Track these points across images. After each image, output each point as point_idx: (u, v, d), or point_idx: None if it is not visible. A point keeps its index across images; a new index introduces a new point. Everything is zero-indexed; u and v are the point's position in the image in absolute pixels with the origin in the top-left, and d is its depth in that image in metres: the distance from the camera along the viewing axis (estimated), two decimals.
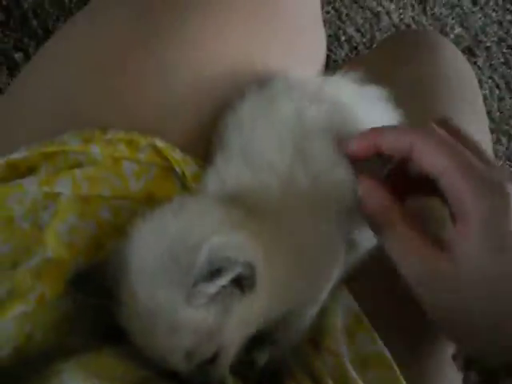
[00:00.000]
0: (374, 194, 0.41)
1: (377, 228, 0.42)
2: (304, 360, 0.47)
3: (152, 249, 0.38)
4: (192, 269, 0.35)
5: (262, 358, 0.46)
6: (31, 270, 0.38)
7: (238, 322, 0.38)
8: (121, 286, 0.38)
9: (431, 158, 0.38)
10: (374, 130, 0.42)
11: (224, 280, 0.35)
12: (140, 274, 0.37)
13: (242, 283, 0.36)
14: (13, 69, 0.97)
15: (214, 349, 0.38)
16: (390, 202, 0.40)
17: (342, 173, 0.44)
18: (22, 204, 0.41)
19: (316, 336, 0.48)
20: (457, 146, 0.38)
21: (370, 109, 0.49)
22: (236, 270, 0.35)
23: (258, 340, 0.46)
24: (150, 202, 0.44)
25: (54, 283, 0.38)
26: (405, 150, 0.39)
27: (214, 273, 0.35)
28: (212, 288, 0.35)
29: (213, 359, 0.38)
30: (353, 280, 0.49)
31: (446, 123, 0.41)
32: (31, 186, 0.42)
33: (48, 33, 1.00)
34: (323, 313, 0.48)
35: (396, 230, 0.39)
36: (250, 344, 0.44)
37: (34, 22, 1.01)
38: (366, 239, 0.46)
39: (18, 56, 0.98)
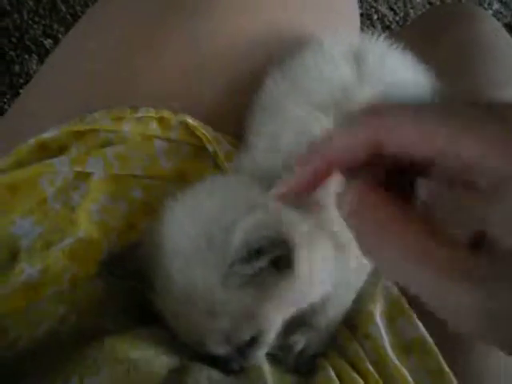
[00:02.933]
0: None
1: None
2: (341, 345, 0.46)
3: (186, 230, 0.37)
4: (228, 250, 0.34)
5: (299, 343, 0.45)
6: (64, 251, 0.37)
7: (277, 304, 0.36)
8: (155, 268, 0.37)
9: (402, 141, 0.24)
10: (310, 151, 0.24)
11: (262, 261, 0.33)
12: (175, 256, 0.36)
13: (280, 264, 0.34)
14: (43, 55, 0.98)
15: (252, 331, 0.37)
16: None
17: None
18: (54, 184, 0.41)
19: (354, 321, 0.47)
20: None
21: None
22: (274, 251, 0.33)
23: (295, 325, 0.44)
24: (182, 181, 0.43)
25: (85, 263, 0.37)
26: (366, 147, 0.22)
27: (251, 254, 0.33)
28: (249, 269, 0.34)
29: (252, 342, 0.37)
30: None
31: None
32: (62, 166, 0.41)
33: (77, 18, 1.00)
34: (362, 298, 0.47)
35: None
36: (288, 329, 0.43)
37: (63, 8, 1.01)
38: None
39: (47, 42, 0.99)
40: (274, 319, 0.38)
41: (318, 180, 0.24)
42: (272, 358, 0.43)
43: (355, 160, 0.22)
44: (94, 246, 0.38)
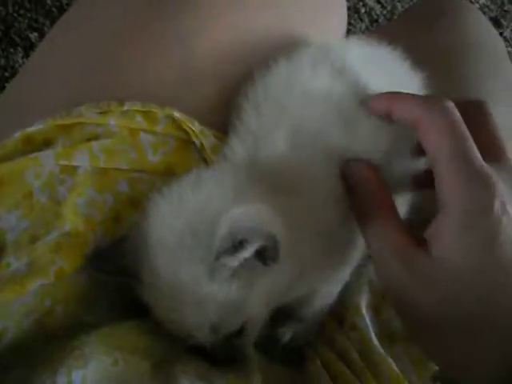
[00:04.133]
0: (369, 180, 0.37)
1: (362, 216, 0.37)
2: (328, 336, 0.46)
3: (170, 225, 0.37)
4: (213, 242, 0.34)
5: (286, 334, 0.46)
6: (50, 244, 0.37)
7: (263, 296, 0.37)
8: (141, 263, 0.37)
9: (431, 138, 0.33)
10: (390, 93, 0.38)
11: (247, 252, 0.34)
12: (160, 251, 0.36)
13: (265, 256, 0.35)
14: (28, 49, 0.97)
15: (239, 322, 0.37)
16: (383, 192, 0.37)
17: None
18: (39, 178, 0.41)
19: (341, 313, 0.47)
20: (462, 132, 0.32)
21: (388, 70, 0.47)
22: (259, 242, 0.33)
23: (282, 317, 0.45)
24: (169, 175, 0.43)
25: (72, 257, 0.37)
26: (412, 122, 0.35)
27: (236, 245, 0.33)
28: (234, 261, 0.34)
29: (239, 332, 0.37)
30: None
31: (473, 104, 0.37)
32: (48, 160, 0.41)
33: (62, 11, 0.98)
34: (348, 290, 0.47)
35: (380, 222, 0.35)
36: (275, 321, 0.43)
37: (49, 1, 1.00)
38: None
39: (33, 36, 0.98)
40: (261, 310, 0.38)
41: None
42: (260, 350, 0.44)
43: (402, 120, 0.36)
44: (79, 240, 0.38)
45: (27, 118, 0.43)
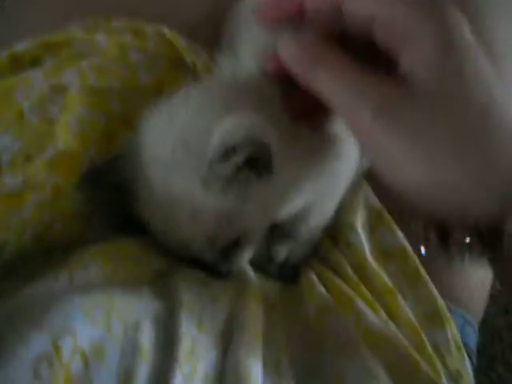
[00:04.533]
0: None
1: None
2: (323, 255, 0.47)
3: (162, 139, 0.37)
4: (205, 152, 0.34)
5: (282, 252, 0.46)
6: (44, 162, 0.37)
7: (258, 208, 0.37)
8: (136, 178, 0.38)
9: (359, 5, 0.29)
10: None
11: (239, 158, 0.34)
12: (154, 165, 0.37)
13: (258, 166, 0.35)
14: None
15: (235, 234, 0.38)
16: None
17: None
18: (29, 98, 0.40)
19: (336, 232, 0.48)
20: None
21: None
22: (251, 148, 0.33)
23: (277, 236, 0.46)
24: (161, 93, 0.42)
25: (67, 174, 0.37)
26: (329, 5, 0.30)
27: (228, 152, 0.33)
28: (227, 168, 0.34)
29: (235, 245, 0.38)
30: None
31: None
32: (37, 80, 0.40)
33: None
34: (343, 209, 0.48)
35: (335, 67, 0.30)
36: (270, 240, 0.44)
37: None
38: None
39: None
40: (257, 223, 0.39)
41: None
42: (256, 268, 0.45)
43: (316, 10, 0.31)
44: (74, 157, 0.38)
45: (14, 38, 0.42)
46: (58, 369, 0.25)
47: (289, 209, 0.41)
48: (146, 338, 0.29)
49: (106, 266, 0.33)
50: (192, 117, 0.36)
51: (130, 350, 0.28)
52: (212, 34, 0.44)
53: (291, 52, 0.30)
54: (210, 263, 0.39)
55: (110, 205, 0.40)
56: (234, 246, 0.38)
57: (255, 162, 0.35)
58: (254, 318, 0.34)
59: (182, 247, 0.38)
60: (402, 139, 0.28)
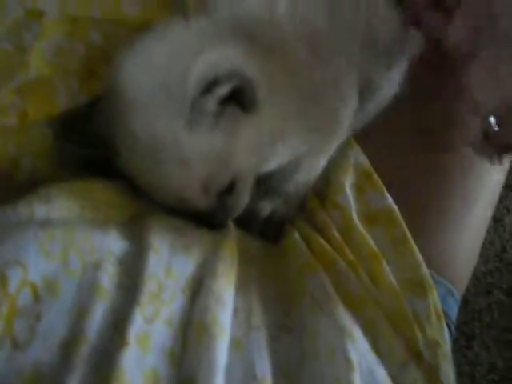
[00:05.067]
0: None
1: None
2: (309, 214, 0.46)
3: (140, 81, 0.34)
4: (186, 90, 0.32)
5: (266, 208, 0.45)
6: (11, 89, 0.34)
7: (249, 147, 0.35)
8: (117, 129, 0.35)
9: None
10: None
11: (222, 90, 0.31)
12: (134, 112, 0.34)
13: (243, 100, 0.33)
14: None
15: (229, 176, 0.36)
16: None
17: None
18: (3, 24, 0.37)
19: (323, 191, 0.46)
20: None
21: None
22: (233, 82, 0.31)
23: (263, 192, 0.44)
24: (146, 30, 0.39)
25: (37, 102, 0.35)
26: None
27: (210, 85, 0.31)
28: (211, 103, 0.32)
29: (231, 189, 0.36)
30: (365, 136, 0.46)
31: None
32: (11, 3, 0.37)
33: None
34: (331, 168, 0.46)
35: None
36: (256, 194, 0.42)
37: None
38: (388, 81, 0.41)
39: None
40: (250, 164, 0.37)
41: None
42: (238, 223, 0.43)
43: None
44: (46, 85, 0.35)
45: None
46: (1, 298, 0.23)
47: (277, 158, 0.39)
48: (106, 278, 0.28)
49: (73, 203, 0.31)
50: (169, 56, 0.34)
51: (88, 288, 0.27)
52: None
53: None
54: (205, 213, 0.37)
55: (84, 152, 0.38)
56: (229, 190, 0.37)
57: (240, 96, 0.33)
58: (228, 266, 0.33)
59: (175, 199, 0.36)
60: None
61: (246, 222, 0.44)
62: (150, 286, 0.28)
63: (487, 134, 0.36)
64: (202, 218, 0.37)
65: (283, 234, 0.44)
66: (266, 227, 0.45)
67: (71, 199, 0.31)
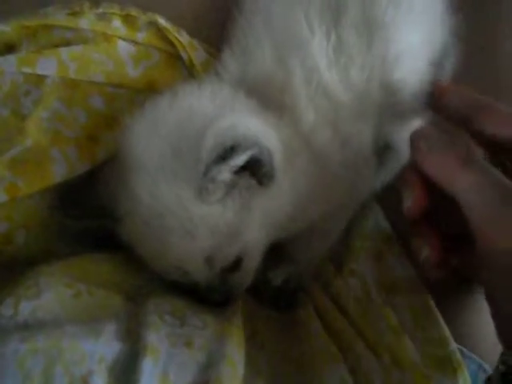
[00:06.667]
0: None
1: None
2: (325, 281, 0.42)
3: (151, 147, 0.32)
4: (199, 155, 0.29)
5: (278, 276, 0.41)
6: (5, 160, 0.32)
7: (260, 222, 0.33)
8: (120, 194, 0.33)
9: None
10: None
11: (239, 159, 0.29)
12: (141, 176, 0.32)
13: (260, 172, 0.30)
14: None
15: (236, 252, 0.33)
16: None
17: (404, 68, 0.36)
18: (1, 88, 0.35)
19: (340, 257, 0.43)
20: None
21: None
22: (251, 151, 0.29)
23: (277, 259, 0.41)
24: (151, 92, 0.37)
25: (29, 174, 0.32)
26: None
27: (226, 152, 0.29)
28: (225, 172, 0.29)
29: (236, 266, 0.34)
30: (387, 197, 0.43)
31: None
32: (9, 66, 0.35)
33: None
34: (350, 233, 0.43)
35: None
36: (269, 264, 0.39)
37: None
38: (405, 141, 0.39)
39: None
40: (259, 237, 0.34)
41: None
42: (249, 293, 0.40)
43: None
44: (41, 155, 0.33)
45: None
46: None
47: (291, 226, 0.37)
48: None
49: (64, 292, 0.28)
50: (181, 121, 0.32)
51: None
52: (212, 28, 0.39)
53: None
54: (204, 289, 0.34)
55: (84, 224, 0.35)
56: (233, 267, 0.34)
57: (256, 166, 0.30)
58: (234, 366, 0.29)
59: (175, 270, 0.33)
60: None
61: (257, 292, 0.41)
62: None
63: None
64: (203, 295, 0.34)
65: (297, 304, 0.41)
66: (278, 297, 0.41)
67: (63, 284, 0.29)
